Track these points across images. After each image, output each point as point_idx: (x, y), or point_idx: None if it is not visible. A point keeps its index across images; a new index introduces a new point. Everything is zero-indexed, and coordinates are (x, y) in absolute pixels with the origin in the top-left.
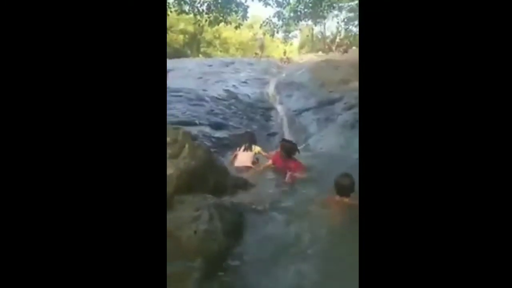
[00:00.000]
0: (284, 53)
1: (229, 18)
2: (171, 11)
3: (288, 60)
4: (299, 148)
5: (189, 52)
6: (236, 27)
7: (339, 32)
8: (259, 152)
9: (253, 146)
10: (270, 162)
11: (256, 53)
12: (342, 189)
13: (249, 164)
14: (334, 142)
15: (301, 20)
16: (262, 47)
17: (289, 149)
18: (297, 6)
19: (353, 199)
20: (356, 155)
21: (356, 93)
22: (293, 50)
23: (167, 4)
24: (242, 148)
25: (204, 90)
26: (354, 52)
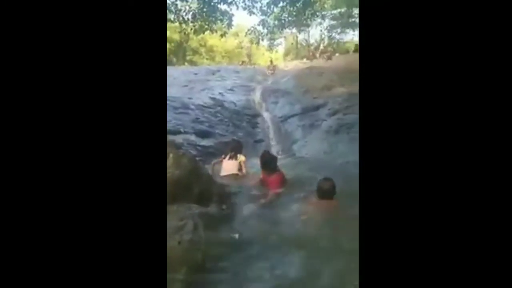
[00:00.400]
0: (271, 61)
1: (214, 27)
2: None
3: (274, 68)
4: (285, 155)
5: (174, 60)
6: (221, 35)
7: (323, 39)
8: (243, 162)
9: (238, 155)
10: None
11: (243, 61)
12: (323, 193)
13: (235, 171)
14: (319, 148)
15: (285, 28)
16: (249, 55)
17: (269, 162)
18: (281, 15)
19: (335, 201)
20: (339, 160)
21: (340, 99)
22: (278, 58)
23: None
24: (228, 156)
25: (190, 98)
26: (337, 59)
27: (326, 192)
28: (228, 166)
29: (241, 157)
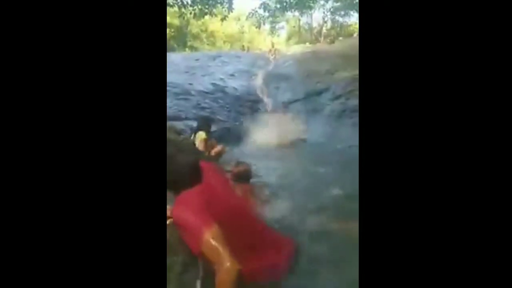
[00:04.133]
0: (272, 45)
1: (214, 10)
2: None
3: (276, 52)
4: None
5: (175, 46)
6: (222, 19)
7: (326, 22)
8: (201, 141)
9: (197, 134)
10: (219, 148)
11: (243, 46)
12: (238, 176)
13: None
14: (321, 132)
15: (287, 11)
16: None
17: (242, 174)
18: None
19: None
20: (339, 145)
21: (343, 83)
22: (280, 42)
23: None
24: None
25: (190, 84)
26: (340, 43)
27: (242, 175)
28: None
29: (200, 135)
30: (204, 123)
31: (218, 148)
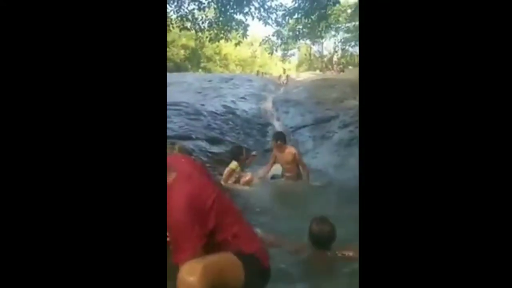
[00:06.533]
0: (284, 71)
1: (229, 35)
2: (173, 27)
3: (287, 78)
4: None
5: (189, 66)
6: (236, 44)
7: (336, 52)
8: (234, 169)
9: (232, 162)
10: (248, 177)
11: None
12: (318, 240)
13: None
14: (329, 160)
15: (299, 39)
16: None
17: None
18: (296, 26)
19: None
20: (351, 174)
21: (352, 112)
22: (291, 68)
23: (170, 20)
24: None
25: (202, 104)
26: (350, 72)
27: (323, 239)
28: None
29: (232, 164)
30: (237, 152)
31: (247, 178)
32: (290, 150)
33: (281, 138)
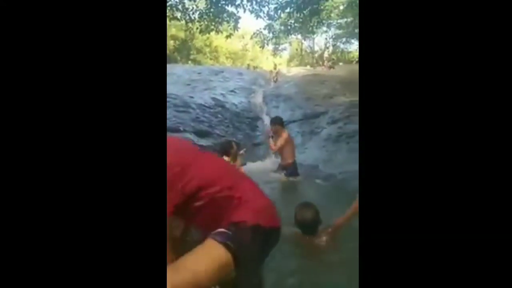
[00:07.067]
0: (275, 66)
1: (220, 27)
2: None
3: (278, 74)
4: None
5: (178, 58)
6: (227, 37)
7: (327, 48)
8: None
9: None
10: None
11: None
12: (304, 226)
13: None
14: (317, 155)
15: (291, 34)
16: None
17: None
18: (288, 21)
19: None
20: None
21: (341, 108)
22: (282, 63)
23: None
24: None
25: (191, 97)
26: (340, 68)
27: (308, 224)
28: None
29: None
30: (228, 147)
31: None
32: (284, 134)
33: (278, 121)
